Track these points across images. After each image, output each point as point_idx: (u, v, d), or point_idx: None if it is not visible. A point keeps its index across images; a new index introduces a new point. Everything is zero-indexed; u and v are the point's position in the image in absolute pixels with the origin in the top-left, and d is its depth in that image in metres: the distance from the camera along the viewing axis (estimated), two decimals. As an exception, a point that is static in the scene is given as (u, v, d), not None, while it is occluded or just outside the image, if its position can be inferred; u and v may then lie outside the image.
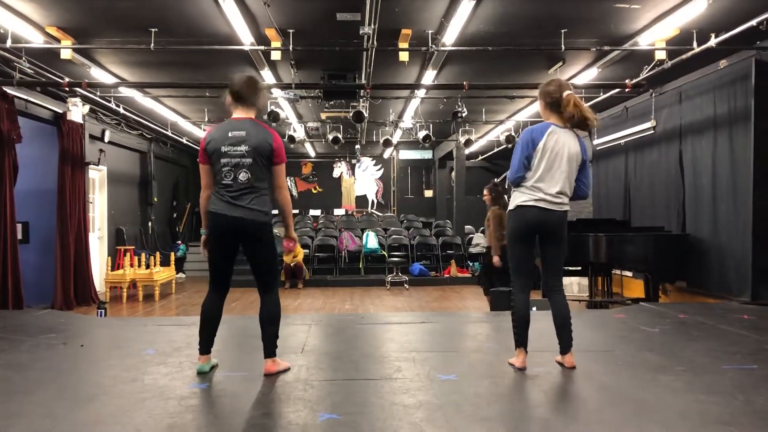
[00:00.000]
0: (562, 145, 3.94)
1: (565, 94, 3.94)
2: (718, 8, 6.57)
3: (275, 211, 3.96)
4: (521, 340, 4.05)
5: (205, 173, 3.90)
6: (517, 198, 4.02)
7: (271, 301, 3.92)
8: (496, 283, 7.51)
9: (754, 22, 6.56)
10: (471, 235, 15.67)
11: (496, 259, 7.19)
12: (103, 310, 8.32)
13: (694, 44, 7.42)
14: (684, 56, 7.70)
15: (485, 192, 7.66)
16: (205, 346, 3.98)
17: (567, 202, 4.03)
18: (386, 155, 20.10)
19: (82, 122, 10.32)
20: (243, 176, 3.74)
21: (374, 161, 20.63)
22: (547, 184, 3.94)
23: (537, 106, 4.21)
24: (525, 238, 4.03)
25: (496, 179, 18.01)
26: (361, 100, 10.68)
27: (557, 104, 3.98)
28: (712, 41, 7.20)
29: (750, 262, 7.60)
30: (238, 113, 3.89)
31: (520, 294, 4.06)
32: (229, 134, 3.77)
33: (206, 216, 3.89)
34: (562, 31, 7.44)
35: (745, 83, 7.76)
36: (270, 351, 3.93)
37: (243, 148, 3.73)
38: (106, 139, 11.98)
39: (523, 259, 4.09)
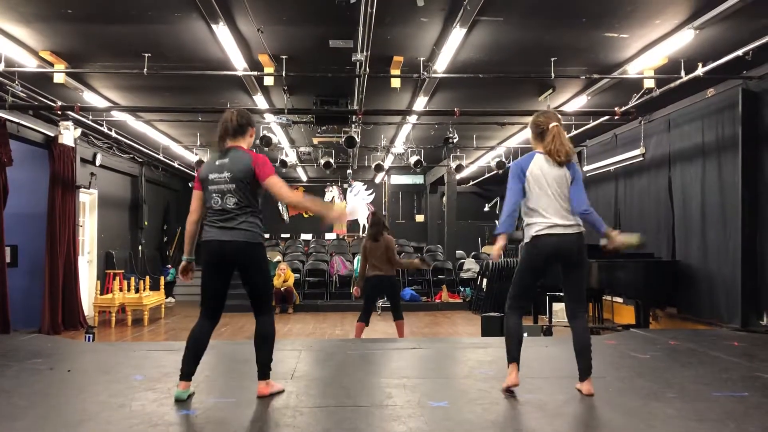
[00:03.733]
0: (549, 169, 4.05)
1: (551, 125, 4.10)
2: (706, 38, 6.69)
3: (267, 234, 4.03)
4: (514, 356, 4.07)
5: (196, 198, 4.02)
6: (531, 229, 4.08)
7: (265, 322, 3.95)
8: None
9: (740, 52, 6.69)
10: (462, 260, 15.68)
11: (355, 290, 7.71)
12: (91, 335, 8.24)
13: (682, 73, 7.54)
14: (672, 85, 7.82)
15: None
16: (188, 373, 3.90)
17: (579, 222, 4.11)
18: (378, 180, 20.16)
19: (73, 146, 10.32)
20: (231, 201, 3.83)
21: (366, 186, 20.68)
22: (552, 208, 4.03)
23: (527, 133, 4.33)
24: (538, 269, 4.16)
25: (488, 204, 18.12)
26: (353, 126, 10.74)
27: (543, 134, 4.14)
28: (700, 70, 7.31)
29: (739, 288, 7.63)
30: (228, 144, 3.98)
31: (516, 313, 4.17)
32: (216, 162, 3.91)
33: (191, 242, 4.04)
34: (552, 59, 7.54)
35: (732, 112, 7.87)
36: (263, 373, 3.96)
37: (225, 174, 3.84)
38: (98, 163, 11.96)
39: (530, 288, 4.23)
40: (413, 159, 13.31)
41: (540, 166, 4.06)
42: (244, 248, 3.80)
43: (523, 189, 4.07)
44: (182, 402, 3.85)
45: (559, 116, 4.25)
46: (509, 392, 4.05)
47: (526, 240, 4.12)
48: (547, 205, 4.03)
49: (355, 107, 9.01)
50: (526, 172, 4.06)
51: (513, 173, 4.13)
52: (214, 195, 3.84)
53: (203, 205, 3.95)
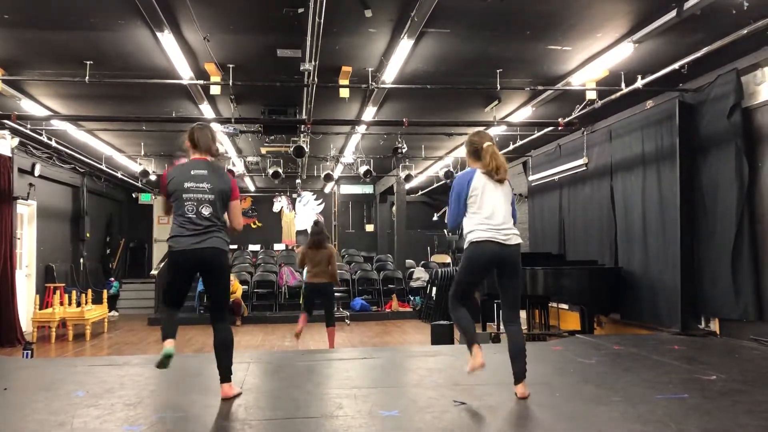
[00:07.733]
0: (494, 185, 4.24)
1: (485, 144, 4.30)
2: (644, 52, 6.92)
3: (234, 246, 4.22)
4: (473, 338, 4.21)
5: (166, 202, 4.26)
6: (471, 236, 4.23)
7: (226, 328, 4.23)
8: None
9: (676, 66, 6.94)
10: (412, 270, 15.74)
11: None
12: (29, 351, 7.93)
13: (623, 85, 7.77)
14: (613, 96, 8.05)
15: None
16: (171, 333, 4.11)
17: (517, 233, 4.28)
18: (327, 190, 20.10)
19: (10, 155, 9.95)
20: (206, 211, 4.11)
21: (315, 196, 20.59)
22: (495, 219, 4.21)
23: None
24: (479, 271, 4.34)
25: (436, 213, 18.30)
26: (301, 135, 10.69)
27: (478, 153, 4.33)
28: (639, 83, 7.56)
29: (679, 294, 7.85)
30: (196, 155, 4.26)
31: (460, 309, 4.35)
32: (191, 172, 4.15)
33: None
34: (498, 71, 7.67)
35: (670, 123, 8.14)
36: (227, 376, 4.20)
37: (205, 185, 4.12)
38: (37, 173, 11.58)
39: (471, 287, 4.47)
40: (363, 169, 13.32)
41: (485, 181, 4.25)
42: (214, 256, 4.13)
43: (466, 206, 4.26)
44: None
45: (492, 135, 4.47)
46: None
47: (466, 245, 4.28)
48: (493, 217, 4.20)
49: (304, 117, 8.96)
50: (472, 185, 4.24)
51: (458, 187, 4.32)
52: (187, 203, 4.10)
53: (176, 211, 4.17)
